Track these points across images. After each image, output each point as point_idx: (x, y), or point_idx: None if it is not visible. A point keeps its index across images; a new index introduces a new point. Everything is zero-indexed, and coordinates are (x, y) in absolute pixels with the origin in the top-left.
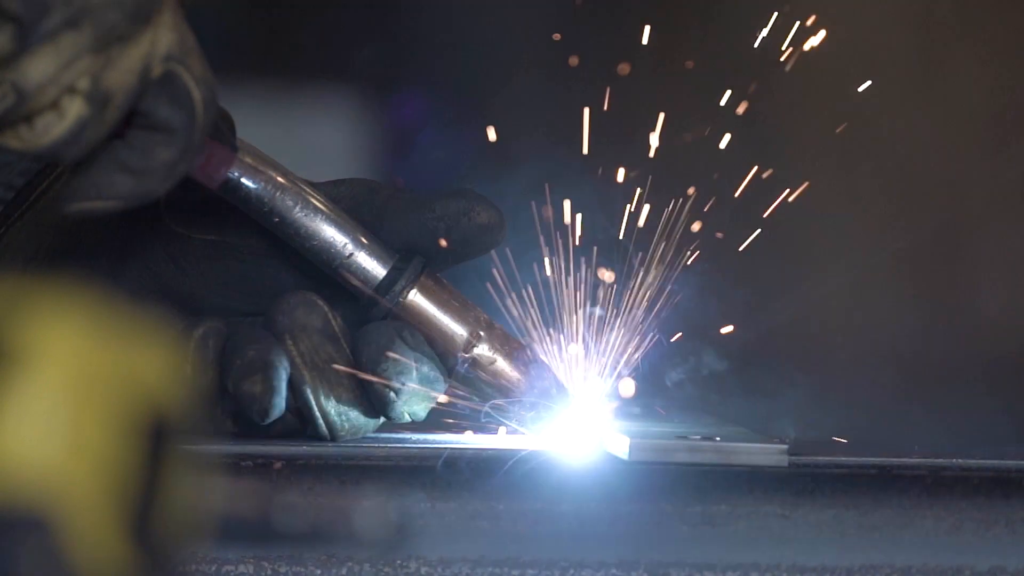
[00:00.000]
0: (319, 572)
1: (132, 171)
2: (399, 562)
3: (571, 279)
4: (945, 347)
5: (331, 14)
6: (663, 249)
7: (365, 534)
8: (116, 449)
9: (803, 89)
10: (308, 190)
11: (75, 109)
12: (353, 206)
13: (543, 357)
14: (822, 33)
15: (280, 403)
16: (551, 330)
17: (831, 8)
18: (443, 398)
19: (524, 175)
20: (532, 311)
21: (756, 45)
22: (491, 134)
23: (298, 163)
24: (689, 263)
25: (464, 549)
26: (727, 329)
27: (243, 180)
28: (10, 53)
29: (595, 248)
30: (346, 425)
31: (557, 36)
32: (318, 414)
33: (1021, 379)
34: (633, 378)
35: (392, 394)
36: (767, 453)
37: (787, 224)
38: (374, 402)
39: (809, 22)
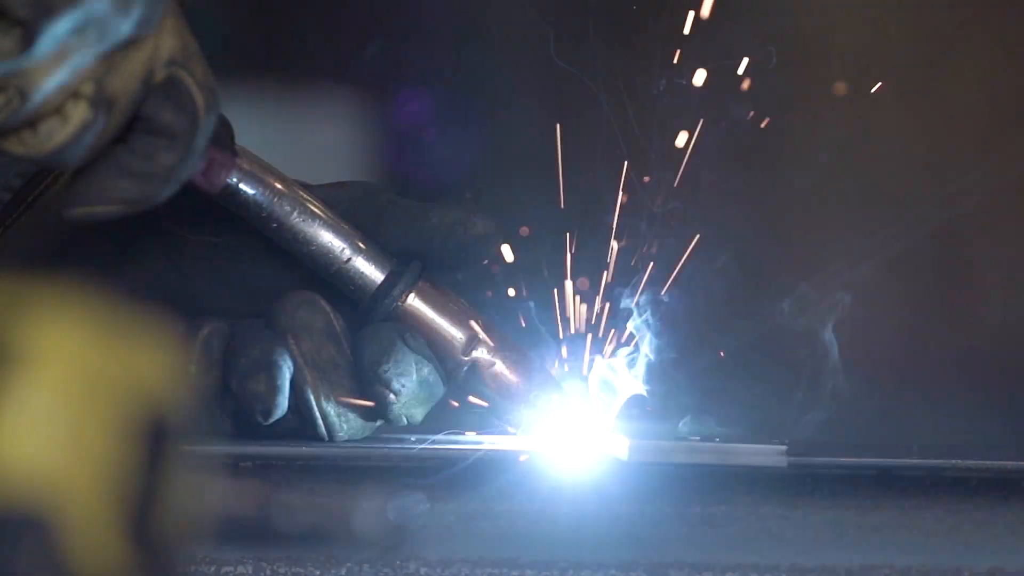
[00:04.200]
0: (318, 573)
1: (134, 175)
2: (398, 563)
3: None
4: (944, 348)
5: (331, 14)
6: (659, 249)
7: (364, 535)
8: (115, 450)
9: (800, 91)
10: (306, 195)
11: (79, 114)
12: (350, 210)
13: (542, 359)
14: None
15: (283, 402)
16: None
17: (830, 10)
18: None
19: (525, 174)
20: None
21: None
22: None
23: (298, 164)
24: (686, 263)
25: (463, 550)
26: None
27: (242, 186)
28: (16, 57)
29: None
30: (345, 426)
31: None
32: (318, 415)
33: (1020, 380)
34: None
35: (392, 396)
36: (766, 454)
37: (785, 225)
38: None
39: (808, 23)
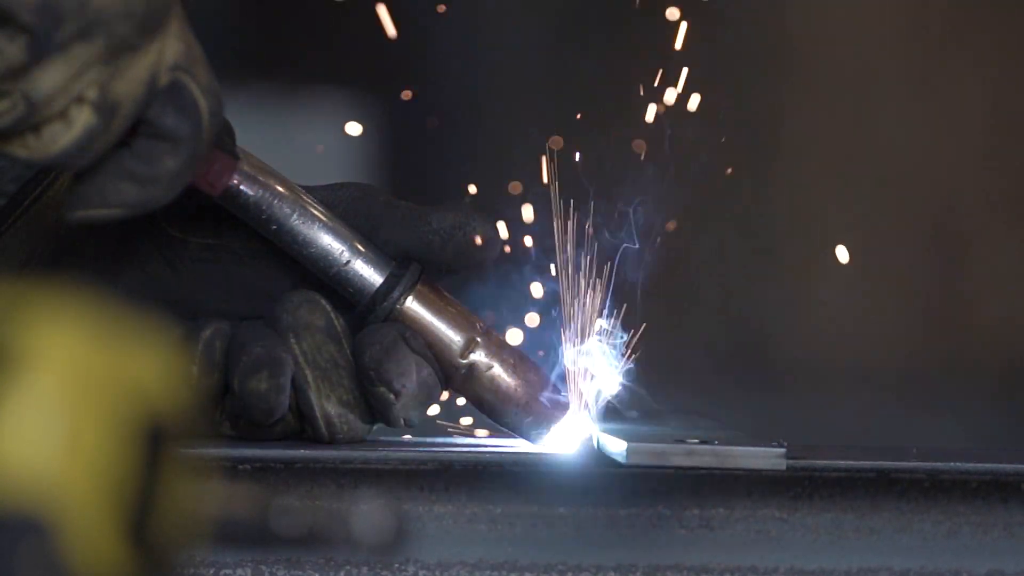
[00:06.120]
0: (316, 575)
1: (137, 179)
2: (397, 565)
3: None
4: (942, 351)
5: (329, 17)
6: (656, 252)
7: (363, 537)
8: (114, 452)
9: (800, 95)
10: (306, 197)
11: (83, 118)
12: (348, 211)
13: (540, 363)
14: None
15: (285, 402)
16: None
17: (828, 14)
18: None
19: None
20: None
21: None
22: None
23: (295, 166)
24: (685, 269)
25: (462, 552)
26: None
27: (242, 188)
28: (21, 63)
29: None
30: (345, 427)
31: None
32: (319, 415)
33: (1018, 383)
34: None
35: (392, 397)
36: (765, 456)
37: (784, 229)
38: (373, 404)
39: (806, 26)
